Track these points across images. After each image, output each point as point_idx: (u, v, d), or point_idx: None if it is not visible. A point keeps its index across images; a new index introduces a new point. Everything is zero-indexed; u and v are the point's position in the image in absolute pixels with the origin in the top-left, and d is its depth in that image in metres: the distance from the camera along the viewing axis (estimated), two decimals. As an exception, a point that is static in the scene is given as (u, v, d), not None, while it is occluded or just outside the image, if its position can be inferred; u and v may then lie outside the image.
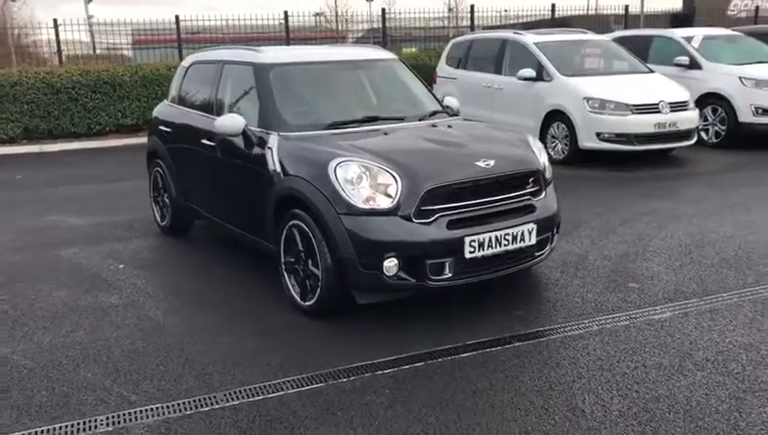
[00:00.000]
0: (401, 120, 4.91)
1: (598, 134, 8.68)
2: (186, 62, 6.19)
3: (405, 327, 4.09)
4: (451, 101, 5.59)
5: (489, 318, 4.19)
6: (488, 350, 3.77)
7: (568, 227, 6.00)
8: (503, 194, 4.18)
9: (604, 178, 8.27)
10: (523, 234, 4.16)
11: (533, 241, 4.23)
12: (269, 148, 4.48)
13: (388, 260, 3.87)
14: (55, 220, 6.98)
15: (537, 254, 4.36)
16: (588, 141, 8.76)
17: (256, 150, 4.60)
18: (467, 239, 3.95)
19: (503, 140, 4.71)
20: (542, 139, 9.29)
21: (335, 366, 3.61)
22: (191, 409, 3.25)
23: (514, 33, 10.42)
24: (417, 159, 4.16)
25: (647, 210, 6.63)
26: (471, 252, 3.97)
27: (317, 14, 32.85)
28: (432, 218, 3.94)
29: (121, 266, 5.39)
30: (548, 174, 4.61)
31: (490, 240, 4.03)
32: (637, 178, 8.26)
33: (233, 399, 3.32)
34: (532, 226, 4.20)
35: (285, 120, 4.65)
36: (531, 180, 4.36)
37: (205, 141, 5.20)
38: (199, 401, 3.32)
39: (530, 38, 9.91)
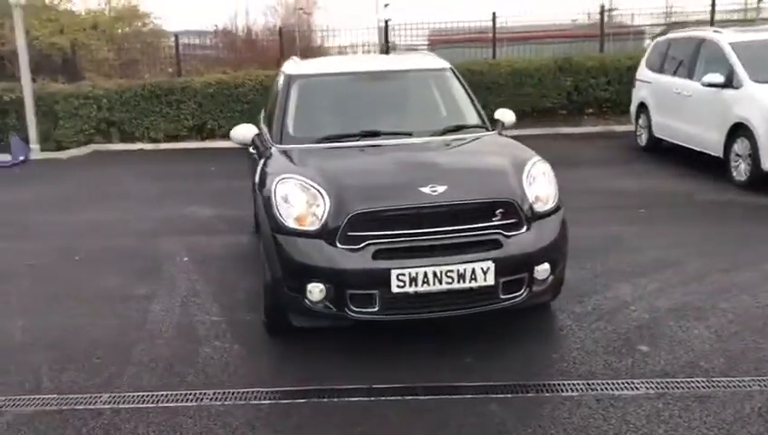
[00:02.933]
0: (408, 135, 4.59)
1: (784, 155, 7.10)
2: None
3: (332, 357, 3.91)
4: (503, 114, 5.06)
5: (429, 360, 3.79)
6: (379, 398, 3.42)
7: (655, 265, 5.14)
8: (453, 225, 3.70)
9: (776, 210, 6.76)
10: (474, 272, 3.64)
11: (491, 282, 3.67)
12: (262, 160, 4.53)
13: (311, 285, 3.68)
14: (192, 210, 7.74)
15: (504, 297, 3.78)
16: (771, 163, 7.22)
17: (258, 162, 4.67)
18: (394, 272, 3.59)
19: (484, 163, 4.17)
20: (726, 156, 7.87)
21: (230, 388, 3.58)
22: (41, 405, 3.48)
23: (714, 31, 8.93)
24: (358, 180, 3.89)
25: (781, 256, 5.31)
26: (400, 286, 3.60)
27: (609, 10, 31.22)
28: (360, 245, 3.65)
29: (185, 259, 5.85)
30: (542, 206, 3.95)
31: (426, 275, 3.61)
32: (824, 212, 6.62)
33: (84, 404, 3.47)
34: (488, 264, 3.66)
35: (288, 133, 4.66)
36: (499, 212, 3.78)
37: (251, 150, 5.40)
38: (57, 398, 3.53)
39: (726, 37, 8.43)
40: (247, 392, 3.51)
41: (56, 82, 13.45)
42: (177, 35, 13.98)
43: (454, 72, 5.26)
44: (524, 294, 3.83)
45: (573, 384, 3.47)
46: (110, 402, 3.47)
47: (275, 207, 3.85)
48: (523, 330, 4.16)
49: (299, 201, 3.80)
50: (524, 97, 12.66)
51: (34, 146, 12.50)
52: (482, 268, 3.65)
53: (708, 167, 8.30)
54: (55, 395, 3.57)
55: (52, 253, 6.22)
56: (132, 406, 3.43)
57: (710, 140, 8.20)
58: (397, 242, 3.66)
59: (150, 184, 9.49)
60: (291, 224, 3.78)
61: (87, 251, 6.22)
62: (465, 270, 3.63)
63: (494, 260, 3.67)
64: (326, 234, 3.69)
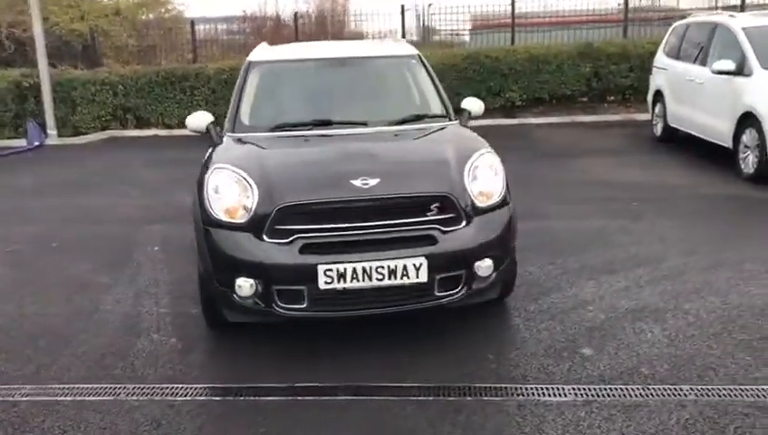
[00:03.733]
0: (363, 124, 4.44)
1: (792, 146, 6.71)
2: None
3: (264, 353, 3.83)
4: (470, 104, 4.87)
5: (365, 358, 3.67)
6: (297, 397, 3.32)
7: (630, 262, 4.93)
8: (385, 219, 3.55)
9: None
10: (405, 268, 3.49)
11: (423, 278, 3.51)
12: (210, 149, 4.43)
13: (240, 280, 3.57)
14: (183, 197, 7.66)
15: (440, 294, 3.61)
16: (778, 155, 6.83)
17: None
18: (321, 268, 3.45)
19: (425, 155, 4.00)
20: (735, 147, 7.49)
21: (151, 383, 3.52)
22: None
23: (729, 15, 8.51)
24: (289, 172, 3.77)
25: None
26: (327, 283, 3.47)
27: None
28: (288, 239, 3.53)
29: (156, 249, 5.81)
30: (485, 201, 3.75)
31: (354, 271, 3.46)
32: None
33: (3, 395, 3.45)
34: (421, 260, 3.49)
35: (240, 121, 4.56)
36: (435, 207, 3.61)
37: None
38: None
39: (740, 21, 8.01)
40: (165, 388, 3.43)
41: (76, 69, 13.62)
42: (192, 21, 14.01)
43: (421, 60, 5.06)
44: (462, 291, 3.65)
45: (500, 388, 3.31)
46: (29, 395, 3.44)
47: (206, 198, 3.75)
48: (468, 329, 4.00)
49: (229, 192, 3.70)
50: (542, 84, 12.34)
51: (52, 131, 12.66)
52: (414, 264, 3.49)
53: (721, 159, 7.91)
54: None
55: (33, 239, 6.26)
56: (49, 398, 3.39)
57: (720, 130, 7.83)
58: (325, 236, 3.53)
59: (154, 170, 9.52)
60: (220, 216, 3.68)
61: (66, 238, 6.24)
62: (396, 266, 3.48)
63: (428, 256, 3.51)
64: (254, 227, 3.58)
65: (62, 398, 3.39)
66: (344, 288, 3.49)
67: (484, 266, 3.69)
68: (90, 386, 3.49)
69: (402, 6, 13.12)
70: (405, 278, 3.50)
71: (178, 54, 14.73)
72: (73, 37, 14.05)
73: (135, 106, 12.98)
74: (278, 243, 3.53)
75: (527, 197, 6.92)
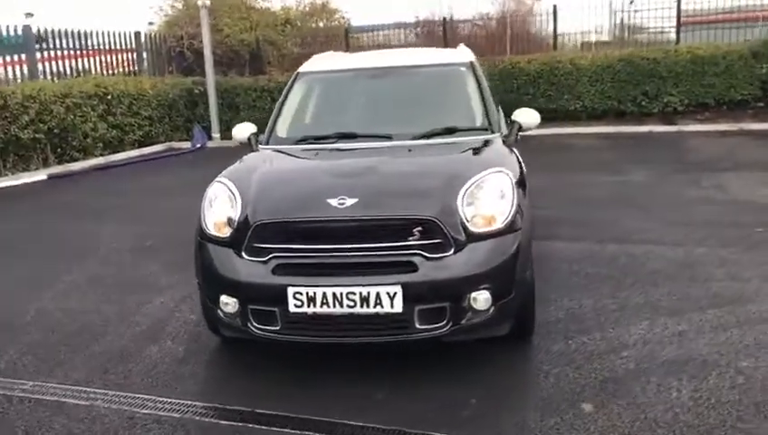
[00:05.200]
0: (388, 138, 4.19)
1: None
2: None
3: (252, 374, 3.72)
4: (522, 115, 4.43)
5: (341, 389, 3.45)
6: (247, 425, 3.18)
7: (709, 302, 4.33)
8: (361, 243, 3.30)
9: None
10: (378, 296, 3.22)
11: (398, 309, 3.22)
12: (238, 161, 4.44)
13: (223, 297, 3.53)
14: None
15: (421, 327, 3.29)
16: None
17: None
18: (291, 290, 3.30)
19: (421, 174, 3.66)
20: None
21: (132, 391, 3.57)
22: None
23: None
24: (273, 188, 3.65)
25: None
26: (297, 306, 3.30)
27: None
28: (265, 258, 3.41)
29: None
30: (484, 227, 3.35)
31: (325, 296, 3.26)
32: None
33: (7, 389, 3.63)
34: (396, 289, 3.21)
35: (275, 133, 4.53)
36: (418, 231, 3.29)
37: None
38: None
39: None
40: (136, 398, 3.45)
41: (242, 77, 14.57)
42: (347, 29, 14.37)
43: (473, 68, 4.68)
44: (448, 326, 3.30)
45: (462, 440, 2.93)
46: (26, 391, 3.62)
47: (201, 211, 3.74)
48: (469, 367, 3.61)
49: (219, 206, 3.66)
50: (707, 88, 11.09)
51: (215, 135, 13.67)
52: (388, 293, 3.21)
53: None
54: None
55: (136, 237, 6.72)
56: (38, 397, 3.53)
57: None
58: (298, 257, 3.37)
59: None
60: (210, 229, 3.65)
61: (164, 237, 6.62)
62: (368, 293, 3.23)
63: (404, 285, 3.21)
64: (236, 243, 3.50)
65: (48, 397, 3.53)
66: (314, 313, 3.30)
67: (481, 299, 3.31)
68: (77, 389, 3.60)
69: (554, 6, 12.44)
70: (378, 307, 3.24)
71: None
72: (242, 47, 14.99)
73: (289, 111, 13.58)
74: (255, 261, 3.42)
75: (635, 217, 6.27)
